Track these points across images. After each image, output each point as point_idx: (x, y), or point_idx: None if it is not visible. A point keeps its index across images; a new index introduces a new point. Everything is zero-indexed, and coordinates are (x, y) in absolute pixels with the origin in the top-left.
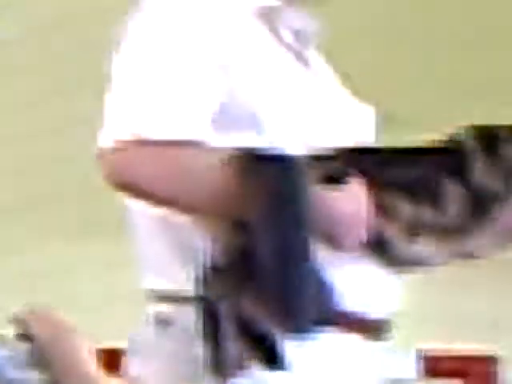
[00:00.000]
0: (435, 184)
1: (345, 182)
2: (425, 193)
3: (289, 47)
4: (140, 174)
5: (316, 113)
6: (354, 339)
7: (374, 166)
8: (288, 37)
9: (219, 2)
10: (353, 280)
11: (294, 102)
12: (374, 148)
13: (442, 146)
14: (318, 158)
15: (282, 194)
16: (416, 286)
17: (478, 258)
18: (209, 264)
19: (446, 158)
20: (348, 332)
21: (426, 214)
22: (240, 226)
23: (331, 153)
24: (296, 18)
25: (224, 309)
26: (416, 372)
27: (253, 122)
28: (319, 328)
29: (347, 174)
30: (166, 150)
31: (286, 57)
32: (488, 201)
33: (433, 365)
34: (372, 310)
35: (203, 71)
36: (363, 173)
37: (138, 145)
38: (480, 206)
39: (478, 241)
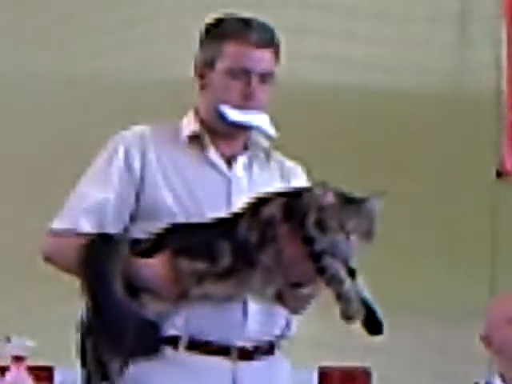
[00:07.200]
0: (211, 244)
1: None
2: (201, 251)
3: (211, 163)
4: (50, 253)
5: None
6: (215, 360)
7: (175, 239)
8: (214, 156)
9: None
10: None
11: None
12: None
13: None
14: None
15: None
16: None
17: (263, 292)
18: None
19: (223, 226)
20: (210, 355)
21: (199, 266)
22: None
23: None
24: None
25: (89, 345)
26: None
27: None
28: (149, 354)
29: (158, 249)
30: (58, 238)
31: (203, 170)
32: (251, 249)
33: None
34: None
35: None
36: (170, 245)
37: (51, 235)
38: (246, 253)
39: (254, 279)
